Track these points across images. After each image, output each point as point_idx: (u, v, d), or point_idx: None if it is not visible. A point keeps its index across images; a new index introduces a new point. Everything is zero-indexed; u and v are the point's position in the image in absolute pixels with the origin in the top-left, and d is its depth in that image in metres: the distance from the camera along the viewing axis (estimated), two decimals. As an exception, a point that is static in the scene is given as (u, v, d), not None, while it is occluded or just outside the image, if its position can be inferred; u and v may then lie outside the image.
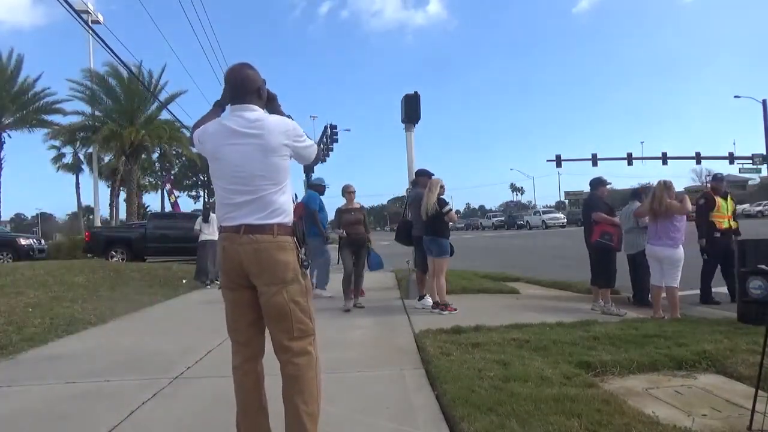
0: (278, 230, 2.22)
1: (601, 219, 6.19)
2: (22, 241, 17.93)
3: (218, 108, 2.45)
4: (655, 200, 5.69)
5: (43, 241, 20.97)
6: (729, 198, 6.92)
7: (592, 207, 6.38)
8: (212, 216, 10.62)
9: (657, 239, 5.75)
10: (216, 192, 2.34)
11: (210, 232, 10.19)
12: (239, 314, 2.30)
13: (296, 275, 2.24)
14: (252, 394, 2.31)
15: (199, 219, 10.75)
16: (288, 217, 2.27)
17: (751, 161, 40.63)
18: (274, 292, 2.19)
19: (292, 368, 2.21)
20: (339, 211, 7.03)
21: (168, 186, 32.28)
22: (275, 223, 2.21)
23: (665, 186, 5.77)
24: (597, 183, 6.63)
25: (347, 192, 7.08)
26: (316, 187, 8.18)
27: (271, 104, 2.41)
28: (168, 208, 34.79)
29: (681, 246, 5.64)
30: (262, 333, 2.35)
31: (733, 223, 6.84)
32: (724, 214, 6.64)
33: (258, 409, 2.32)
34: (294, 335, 2.22)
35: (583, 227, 6.82)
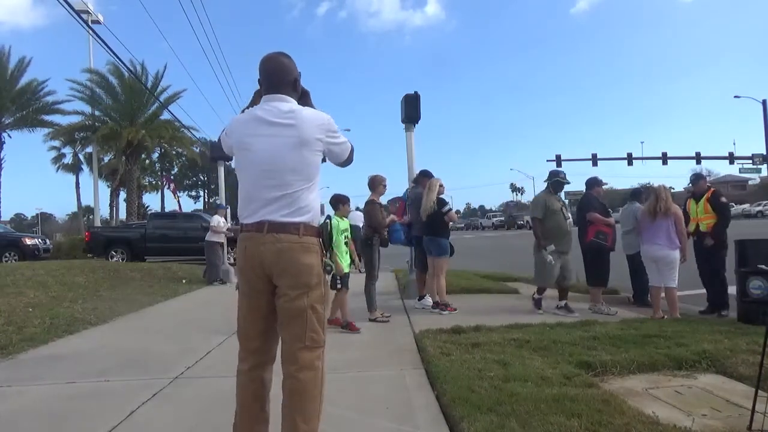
0: (304, 230, 2.09)
1: (596, 219, 6.20)
2: (28, 241, 17.96)
3: (259, 97, 2.28)
4: (660, 202, 5.69)
5: (48, 241, 21.01)
6: (704, 198, 6.14)
7: (587, 207, 6.39)
8: (216, 218, 10.67)
9: (652, 239, 5.77)
10: (240, 185, 2.19)
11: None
12: (252, 321, 2.18)
13: (320, 280, 2.13)
14: (254, 402, 2.20)
15: (217, 217, 10.74)
16: (315, 217, 2.15)
17: (751, 161, 40.56)
18: (296, 296, 2.08)
19: (294, 383, 2.09)
20: (380, 206, 6.01)
21: (172, 186, 32.35)
22: (301, 222, 2.09)
23: (667, 189, 5.89)
24: (593, 183, 6.65)
25: (383, 185, 6.11)
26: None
27: (303, 100, 2.28)
28: (168, 207, 34.87)
29: (677, 248, 5.65)
30: (275, 341, 2.23)
31: (703, 226, 6.11)
32: (692, 216, 6.25)
33: (258, 417, 2.21)
34: (305, 344, 2.11)
35: (578, 227, 6.82)
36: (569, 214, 6.19)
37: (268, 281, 2.12)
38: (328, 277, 2.24)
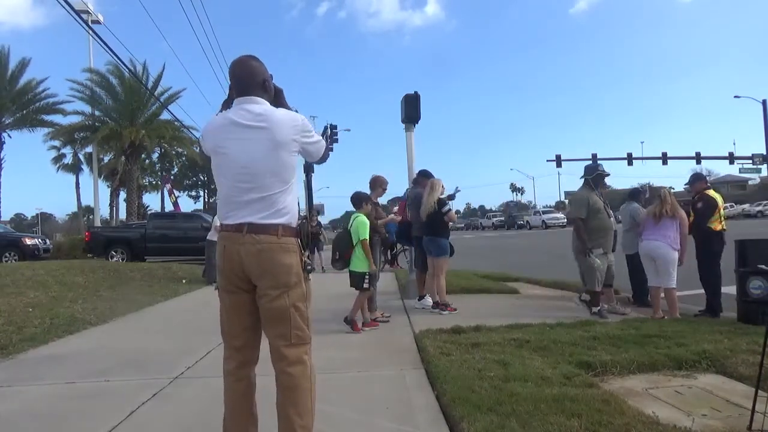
0: (283, 231, 2.12)
1: None
2: (28, 241, 17.98)
3: (227, 108, 2.33)
4: (665, 206, 5.68)
5: (48, 241, 21.03)
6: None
7: None
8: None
9: (652, 236, 5.76)
10: (218, 189, 2.24)
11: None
12: (236, 318, 2.21)
13: (299, 279, 2.16)
14: (243, 402, 2.23)
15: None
16: (293, 218, 2.18)
17: (751, 161, 40.59)
18: (276, 295, 2.11)
19: (286, 379, 2.13)
20: (375, 206, 6.03)
21: (168, 186, 32.34)
22: (280, 224, 2.12)
23: (671, 193, 5.86)
24: None
25: (383, 187, 6.16)
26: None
27: (277, 99, 2.30)
28: (168, 207, 34.88)
29: (677, 248, 5.64)
30: (258, 339, 2.26)
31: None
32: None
33: (248, 417, 2.24)
34: (291, 342, 2.13)
35: None
36: (611, 212, 5.87)
37: (248, 280, 2.15)
38: (310, 276, 2.25)
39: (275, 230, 2.11)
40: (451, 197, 7.10)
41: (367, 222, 5.36)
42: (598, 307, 5.68)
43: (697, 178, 6.45)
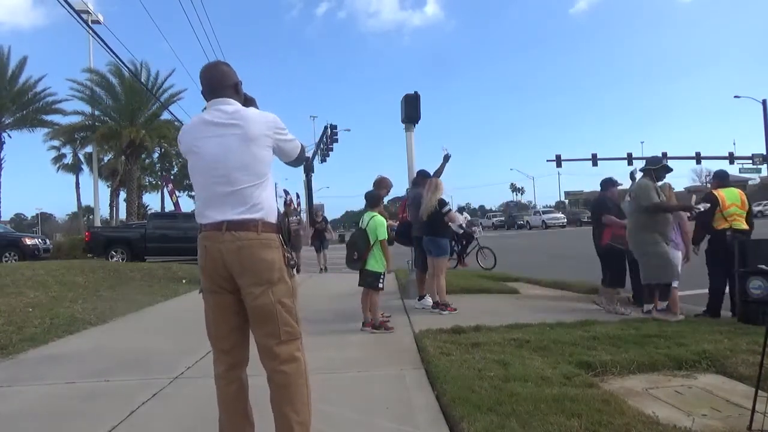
0: (262, 227, 2.11)
1: (611, 222, 6.15)
2: (28, 241, 17.97)
3: None
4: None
5: (48, 241, 21.03)
6: None
7: (602, 209, 6.35)
8: None
9: None
10: (195, 188, 2.24)
11: None
12: (221, 320, 2.19)
13: (282, 275, 2.14)
14: (236, 404, 2.23)
15: None
16: (270, 214, 2.16)
17: (751, 161, 40.59)
18: (259, 293, 2.09)
19: (280, 377, 2.11)
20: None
21: (170, 186, 32.33)
22: (259, 219, 2.11)
23: (671, 190, 5.82)
24: (607, 184, 6.60)
25: (387, 189, 6.19)
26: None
27: (250, 105, 2.32)
28: (168, 207, 34.88)
29: (678, 248, 5.64)
30: (246, 340, 2.24)
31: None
32: None
33: (243, 419, 2.24)
34: (281, 339, 2.11)
35: (592, 228, 6.77)
36: None
37: (232, 280, 2.14)
38: (294, 271, 2.24)
39: (254, 226, 2.10)
40: (446, 158, 7.17)
41: (385, 222, 5.40)
42: (651, 305, 5.52)
43: (714, 177, 6.34)
